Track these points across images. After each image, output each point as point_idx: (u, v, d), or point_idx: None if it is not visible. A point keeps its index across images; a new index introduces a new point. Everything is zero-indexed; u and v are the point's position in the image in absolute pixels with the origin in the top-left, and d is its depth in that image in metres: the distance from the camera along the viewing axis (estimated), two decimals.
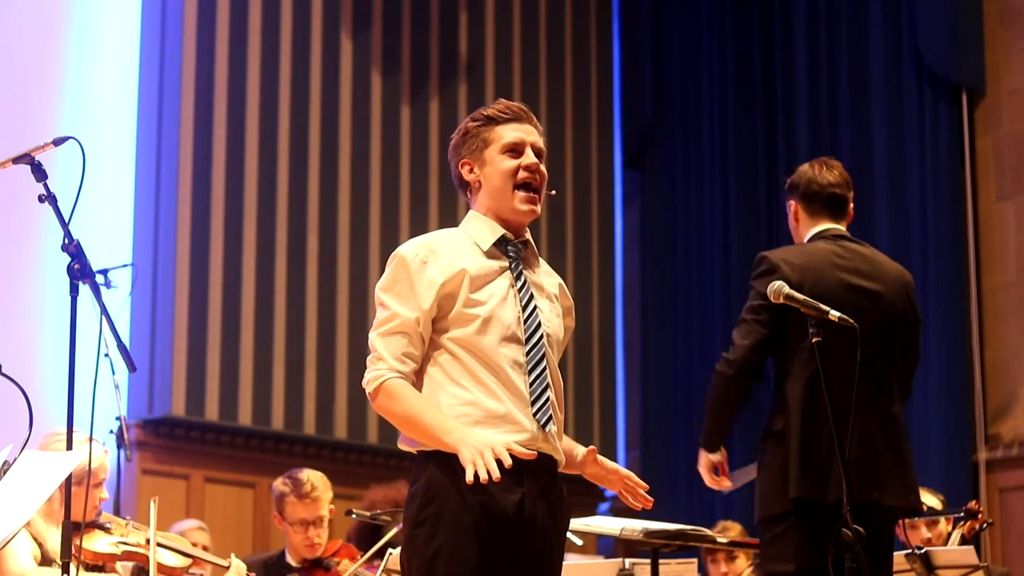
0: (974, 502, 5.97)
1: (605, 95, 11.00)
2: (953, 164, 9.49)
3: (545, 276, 3.60)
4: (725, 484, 4.73)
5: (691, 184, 10.83)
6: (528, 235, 3.57)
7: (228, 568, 5.14)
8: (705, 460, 4.70)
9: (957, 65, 9.49)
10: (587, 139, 10.78)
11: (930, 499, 6.03)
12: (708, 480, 4.72)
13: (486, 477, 3.18)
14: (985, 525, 5.73)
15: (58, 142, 3.59)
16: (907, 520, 5.85)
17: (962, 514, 5.86)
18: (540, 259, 3.62)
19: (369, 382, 3.41)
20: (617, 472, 3.62)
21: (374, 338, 3.43)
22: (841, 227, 4.75)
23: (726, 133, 10.66)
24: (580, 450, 3.63)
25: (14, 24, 8.16)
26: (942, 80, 9.55)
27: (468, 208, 3.62)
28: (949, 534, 5.79)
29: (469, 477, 3.19)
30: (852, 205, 4.84)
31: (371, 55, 9.61)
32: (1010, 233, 9.40)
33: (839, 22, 10.11)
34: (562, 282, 3.67)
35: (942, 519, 5.91)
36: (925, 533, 5.91)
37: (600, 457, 3.62)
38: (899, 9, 9.78)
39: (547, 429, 3.41)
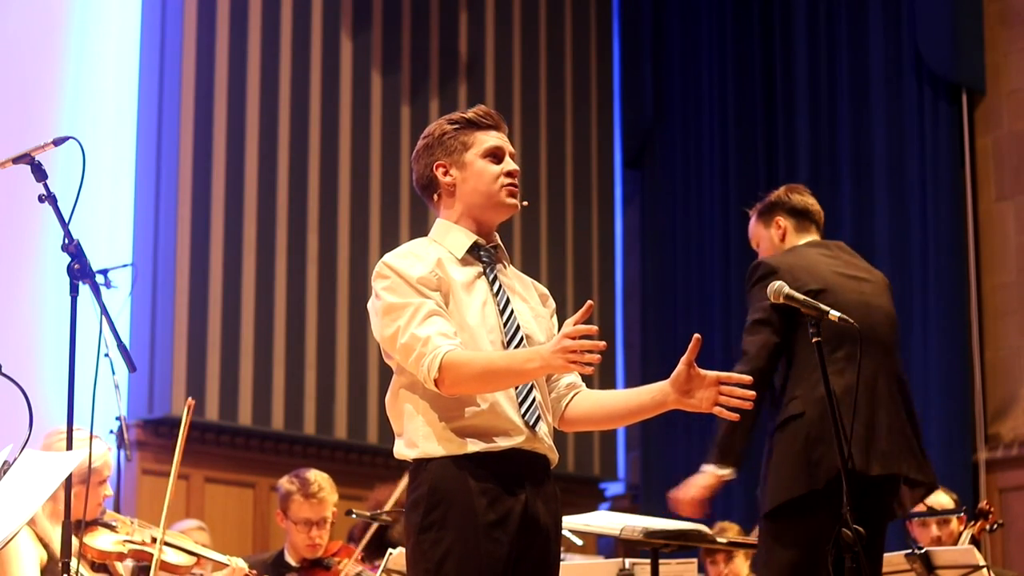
0: (985, 502, 5.96)
1: (605, 95, 11.00)
2: (953, 164, 9.48)
3: (515, 278, 3.60)
4: (699, 510, 4.69)
5: (691, 184, 10.83)
6: (497, 238, 3.57)
7: (227, 565, 5.13)
8: (712, 478, 4.68)
9: (957, 65, 9.49)
10: (587, 139, 10.78)
11: (943, 497, 6.02)
12: (696, 498, 4.67)
13: (598, 357, 3.14)
14: (996, 526, 5.70)
15: (58, 142, 3.58)
16: (919, 519, 5.86)
17: (968, 512, 5.85)
18: (509, 262, 3.61)
19: (429, 368, 3.27)
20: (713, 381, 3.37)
21: (408, 337, 3.32)
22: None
23: (726, 133, 10.65)
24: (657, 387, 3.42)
25: (14, 24, 8.16)
26: (942, 80, 9.54)
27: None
28: (960, 534, 5.77)
29: (586, 370, 3.18)
30: None
31: (371, 55, 9.61)
32: (1010, 233, 9.40)
33: (839, 22, 10.11)
34: (533, 280, 3.66)
35: (954, 518, 5.90)
36: (936, 531, 5.88)
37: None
38: (899, 9, 9.78)
39: (536, 429, 3.41)
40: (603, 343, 3.18)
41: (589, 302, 3.20)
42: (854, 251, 5.09)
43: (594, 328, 3.18)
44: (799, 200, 5.07)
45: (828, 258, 4.89)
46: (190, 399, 5.17)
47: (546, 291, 3.68)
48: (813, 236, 5.04)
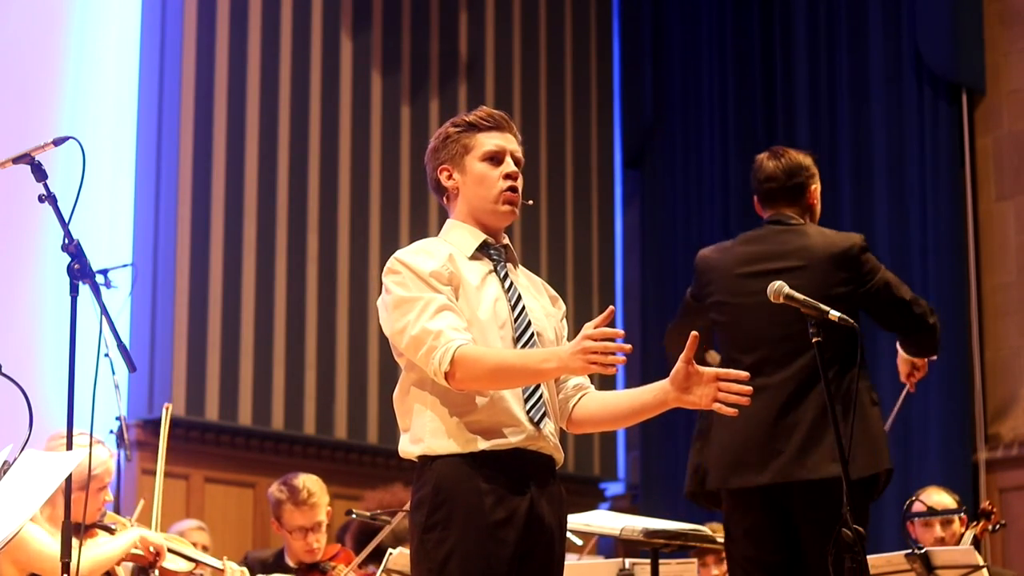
0: (987, 503, 5.94)
1: (605, 95, 10.99)
2: (953, 164, 9.49)
3: (526, 278, 3.61)
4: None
5: (691, 184, 10.83)
6: (506, 239, 3.58)
7: (223, 572, 5.12)
8: None
9: (957, 65, 9.49)
10: (587, 139, 10.77)
11: (945, 498, 5.99)
12: None
13: (623, 358, 3.15)
14: (998, 526, 5.69)
15: (58, 142, 3.58)
16: (921, 519, 5.84)
17: (970, 513, 5.83)
18: (518, 263, 3.62)
19: (440, 362, 3.27)
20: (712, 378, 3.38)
21: (418, 330, 3.31)
22: (788, 212, 4.84)
23: (726, 133, 10.65)
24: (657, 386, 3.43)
25: (14, 24, 8.16)
26: (942, 80, 9.54)
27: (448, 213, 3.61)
28: (962, 534, 5.75)
29: (608, 371, 3.17)
30: (814, 186, 4.88)
31: (371, 55, 9.61)
32: (1010, 233, 9.40)
33: (839, 22, 10.11)
34: (544, 282, 3.68)
35: (956, 519, 5.87)
36: (939, 532, 5.85)
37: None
38: (899, 9, 9.78)
39: (540, 426, 3.40)
40: (629, 346, 3.19)
41: (611, 307, 3.22)
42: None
43: (620, 331, 3.19)
44: (755, 176, 4.87)
45: (750, 248, 4.80)
46: (167, 403, 5.25)
47: (556, 294, 3.68)
48: (772, 212, 4.85)
